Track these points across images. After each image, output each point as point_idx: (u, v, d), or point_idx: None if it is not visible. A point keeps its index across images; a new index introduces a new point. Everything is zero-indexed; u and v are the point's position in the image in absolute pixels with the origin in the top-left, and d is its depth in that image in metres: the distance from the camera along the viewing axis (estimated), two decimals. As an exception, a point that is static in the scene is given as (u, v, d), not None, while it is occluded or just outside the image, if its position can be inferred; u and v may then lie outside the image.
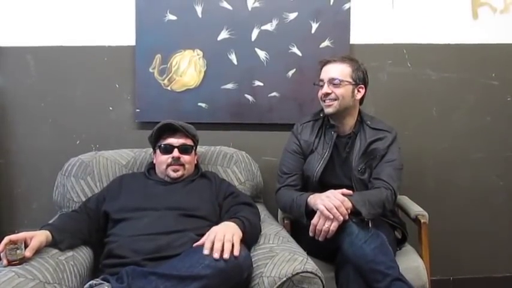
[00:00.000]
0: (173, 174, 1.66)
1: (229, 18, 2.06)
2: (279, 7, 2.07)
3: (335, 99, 1.68)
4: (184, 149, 1.68)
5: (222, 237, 1.29)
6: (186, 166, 1.68)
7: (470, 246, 2.26)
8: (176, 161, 1.66)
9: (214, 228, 1.35)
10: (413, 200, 1.92)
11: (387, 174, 1.67)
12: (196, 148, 1.78)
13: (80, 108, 2.09)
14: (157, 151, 1.70)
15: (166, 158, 1.66)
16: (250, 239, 1.45)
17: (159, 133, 1.70)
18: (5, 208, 2.09)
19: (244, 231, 1.39)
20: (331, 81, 1.68)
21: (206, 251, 1.25)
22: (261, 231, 1.56)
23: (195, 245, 1.33)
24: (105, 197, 1.63)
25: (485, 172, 2.25)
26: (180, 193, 1.63)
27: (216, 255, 1.24)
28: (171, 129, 1.69)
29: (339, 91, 1.67)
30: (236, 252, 1.27)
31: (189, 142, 1.71)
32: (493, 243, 2.27)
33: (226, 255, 1.24)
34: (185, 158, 1.68)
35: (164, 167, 1.67)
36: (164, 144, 1.68)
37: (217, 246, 1.26)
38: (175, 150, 1.66)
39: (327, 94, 1.69)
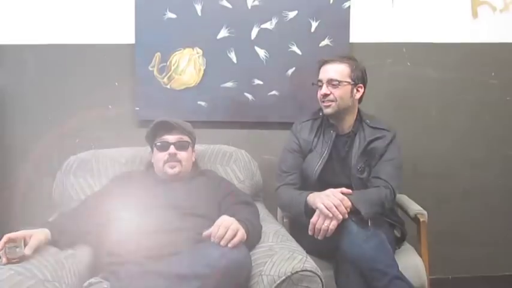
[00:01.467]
0: (170, 171, 1.65)
1: (229, 16, 2.06)
2: (279, 5, 2.07)
3: (334, 100, 1.68)
4: (180, 146, 1.67)
5: (228, 225, 1.29)
6: (183, 163, 1.67)
7: (469, 246, 2.26)
8: (173, 157, 1.64)
9: (225, 216, 1.35)
10: (412, 200, 1.91)
11: (386, 173, 1.67)
12: (193, 146, 1.77)
13: (79, 106, 2.08)
14: (155, 149, 1.69)
15: (163, 155, 1.65)
16: (252, 241, 1.44)
17: (155, 131, 1.69)
18: (5, 207, 2.09)
19: (247, 235, 1.37)
20: (330, 82, 1.68)
21: (211, 237, 1.27)
22: (261, 231, 1.55)
23: (204, 233, 1.32)
24: (105, 196, 1.62)
25: (485, 172, 2.25)
26: (180, 191, 1.62)
27: (216, 240, 1.26)
28: (166, 127, 1.68)
29: (337, 92, 1.67)
30: (237, 241, 1.27)
31: (185, 138, 1.69)
32: (492, 242, 2.27)
33: (223, 242, 1.26)
34: (182, 154, 1.67)
35: (161, 164, 1.65)
36: (160, 142, 1.67)
37: (221, 232, 1.27)
38: (172, 146, 1.65)
39: (326, 95, 1.68)
